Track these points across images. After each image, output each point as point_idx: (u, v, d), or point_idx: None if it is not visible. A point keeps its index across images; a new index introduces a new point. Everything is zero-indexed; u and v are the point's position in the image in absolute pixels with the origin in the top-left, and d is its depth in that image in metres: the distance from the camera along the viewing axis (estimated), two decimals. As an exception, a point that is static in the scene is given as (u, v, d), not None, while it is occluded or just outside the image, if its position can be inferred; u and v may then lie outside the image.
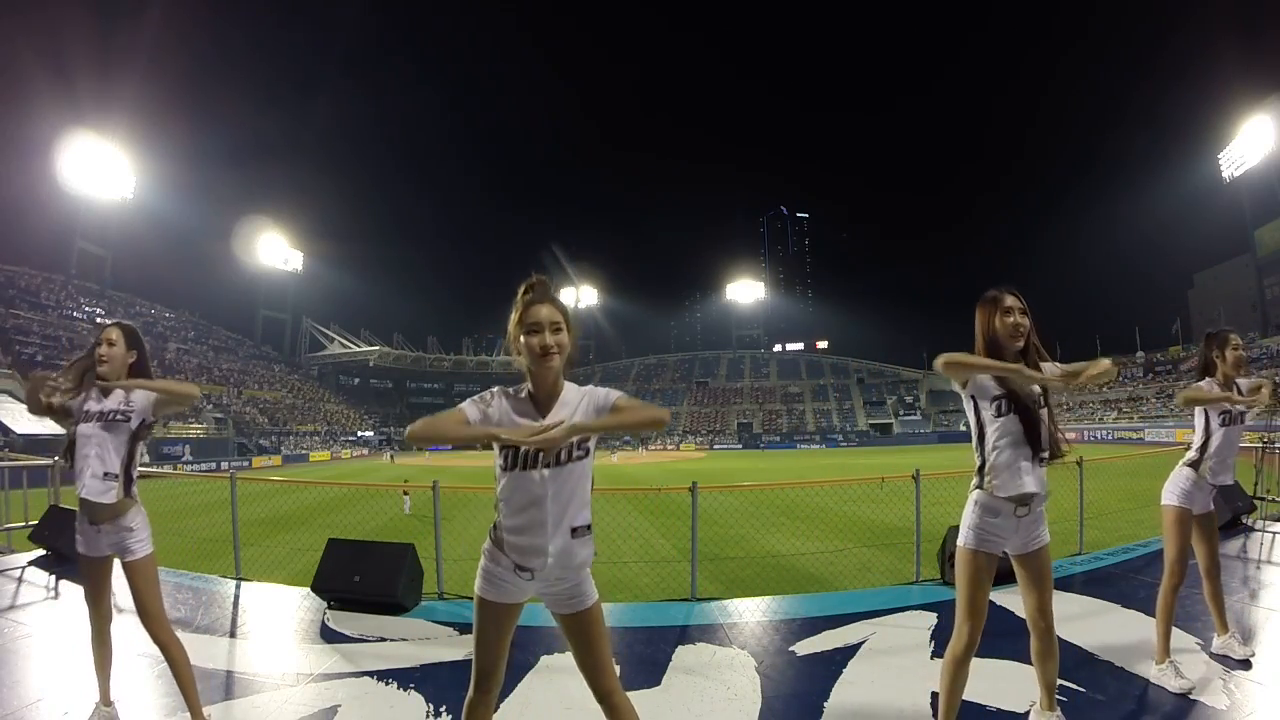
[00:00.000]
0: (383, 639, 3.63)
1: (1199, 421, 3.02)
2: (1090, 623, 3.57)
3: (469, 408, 1.70)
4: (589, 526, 1.72)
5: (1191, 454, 3.00)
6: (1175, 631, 3.41)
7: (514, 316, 1.72)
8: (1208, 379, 3.00)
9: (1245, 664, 2.90)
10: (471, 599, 1.80)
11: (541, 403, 1.73)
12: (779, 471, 26.93)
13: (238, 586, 4.82)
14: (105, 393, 2.44)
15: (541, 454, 1.64)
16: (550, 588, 1.75)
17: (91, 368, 2.45)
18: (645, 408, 1.73)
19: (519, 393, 1.76)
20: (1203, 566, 3.03)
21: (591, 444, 1.72)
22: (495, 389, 1.76)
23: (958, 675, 2.15)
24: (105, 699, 2.56)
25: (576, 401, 1.73)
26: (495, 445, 1.67)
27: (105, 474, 2.35)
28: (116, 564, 2.46)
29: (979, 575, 2.14)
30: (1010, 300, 2.14)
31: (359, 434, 56.67)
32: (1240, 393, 2.94)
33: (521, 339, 1.68)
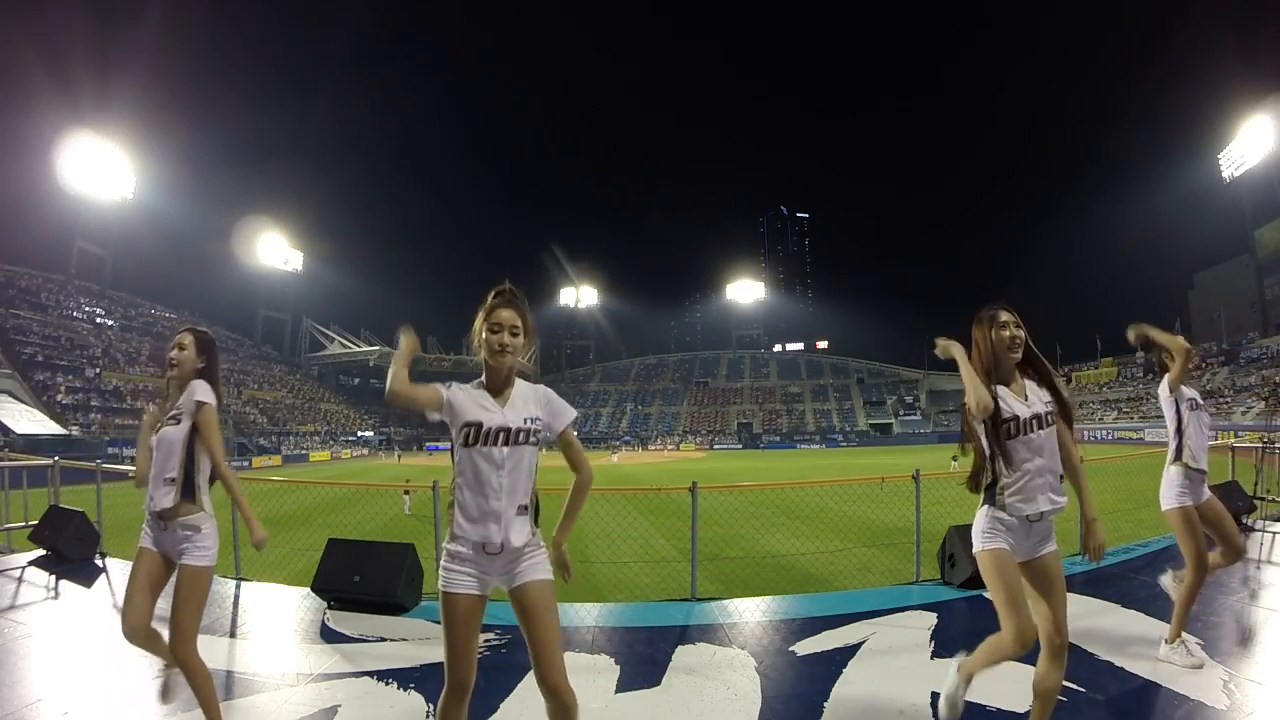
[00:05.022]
0: (383, 639, 3.63)
1: (1170, 415, 3.14)
2: (1090, 623, 3.57)
3: (442, 386, 1.93)
4: (525, 508, 1.86)
5: (1172, 451, 3.09)
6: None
7: (481, 314, 1.92)
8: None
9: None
10: None
11: (494, 395, 1.91)
12: (779, 471, 26.92)
13: (238, 586, 4.82)
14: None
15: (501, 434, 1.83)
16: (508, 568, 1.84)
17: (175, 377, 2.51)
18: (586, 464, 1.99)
19: (476, 385, 1.94)
20: (1225, 547, 3.11)
21: (538, 436, 1.90)
22: (450, 383, 1.95)
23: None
24: (171, 663, 2.50)
25: (529, 395, 1.94)
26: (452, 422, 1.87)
27: (167, 479, 2.38)
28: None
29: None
30: (1005, 315, 2.21)
31: (359, 434, 56.57)
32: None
33: (484, 335, 1.89)
